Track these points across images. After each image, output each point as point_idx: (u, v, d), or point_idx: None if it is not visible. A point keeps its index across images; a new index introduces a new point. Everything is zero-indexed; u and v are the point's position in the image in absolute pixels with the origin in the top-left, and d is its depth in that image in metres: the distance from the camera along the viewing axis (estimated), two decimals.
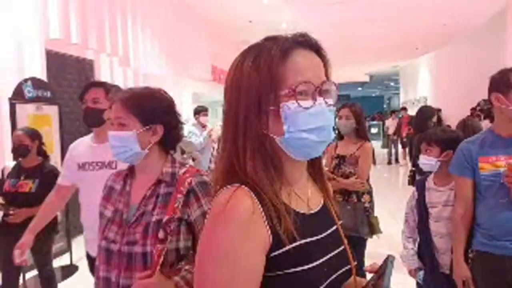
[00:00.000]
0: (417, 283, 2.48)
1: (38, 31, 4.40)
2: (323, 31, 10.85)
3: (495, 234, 1.89)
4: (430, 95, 15.45)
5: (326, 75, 0.87)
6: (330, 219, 0.93)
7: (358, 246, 3.05)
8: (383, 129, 17.21)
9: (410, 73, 19.35)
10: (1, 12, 3.96)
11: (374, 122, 21.24)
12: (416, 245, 2.46)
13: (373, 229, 3.08)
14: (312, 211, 0.87)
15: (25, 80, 3.93)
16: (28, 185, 3.02)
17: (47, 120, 4.23)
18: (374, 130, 20.20)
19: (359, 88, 30.58)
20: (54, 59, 5.05)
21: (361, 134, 3.19)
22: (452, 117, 10.71)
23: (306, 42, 0.86)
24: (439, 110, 4.56)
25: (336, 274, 0.86)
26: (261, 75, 0.80)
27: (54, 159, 4.28)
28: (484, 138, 1.97)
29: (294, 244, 0.77)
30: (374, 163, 3.18)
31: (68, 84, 5.40)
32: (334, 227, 0.92)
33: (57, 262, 4.36)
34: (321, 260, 0.82)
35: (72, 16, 4.72)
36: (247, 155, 0.80)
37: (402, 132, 12.12)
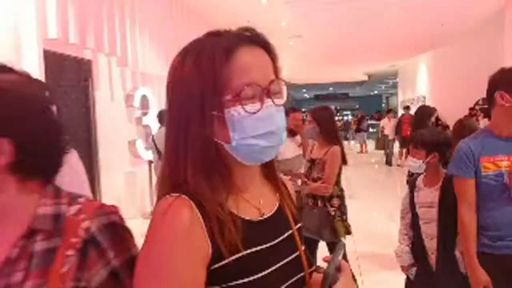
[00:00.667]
0: (407, 280, 2.51)
1: (36, 31, 4.39)
2: (321, 31, 10.85)
3: (503, 235, 1.89)
4: (428, 94, 15.48)
5: (276, 73, 0.81)
6: (285, 223, 0.87)
7: (312, 248, 3.11)
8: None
9: (408, 72, 19.38)
10: None
11: (373, 122, 21.04)
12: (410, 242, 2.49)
13: (336, 234, 3.09)
14: (263, 217, 0.82)
15: None
16: None
17: None
18: (372, 130, 20.00)
19: (358, 88, 30.64)
20: (52, 59, 5.04)
21: (328, 138, 3.23)
22: (451, 116, 10.74)
23: (252, 38, 0.79)
24: (434, 109, 4.56)
25: (291, 281, 0.82)
26: (203, 77, 0.73)
27: None
28: (484, 138, 1.96)
29: (236, 256, 0.72)
30: (345, 163, 3.24)
31: (66, 84, 5.38)
32: (290, 232, 0.87)
33: None
34: (273, 268, 0.78)
35: (70, 15, 4.71)
36: (189, 163, 0.75)
37: (405, 132, 11.71)
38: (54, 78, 5.10)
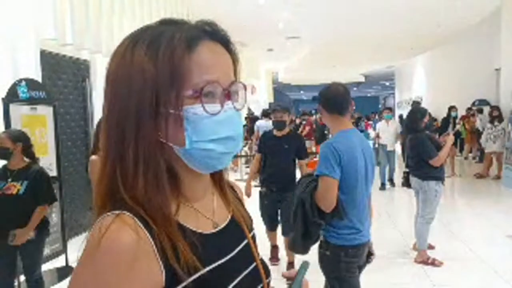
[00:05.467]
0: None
1: (33, 31, 4.38)
2: (319, 32, 10.88)
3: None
4: (425, 95, 15.53)
5: (235, 74, 0.73)
6: (240, 232, 0.80)
7: None
8: None
9: (405, 73, 19.45)
10: None
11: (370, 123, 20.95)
12: None
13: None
14: (218, 228, 0.75)
15: (20, 81, 3.91)
16: (16, 187, 2.96)
17: (42, 120, 4.21)
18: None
19: (355, 88, 30.68)
20: (49, 60, 5.03)
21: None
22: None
23: (214, 33, 0.70)
24: (426, 110, 4.57)
25: None
26: (160, 68, 0.64)
27: (49, 160, 4.27)
28: None
29: (195, 276, 0.64)
30: None
31: (63, 85, 5.37)
32: (245, 241, 0.80)
33: (53, 264, 4.35)
34: (234, 282, 0.72)
35: (67, 16, 4.70)
36: (139, 171, 0.64)
37: None
38: (51, 79, 5.09)
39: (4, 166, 3.03)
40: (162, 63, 0.64)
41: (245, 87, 0.73)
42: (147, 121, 0.64)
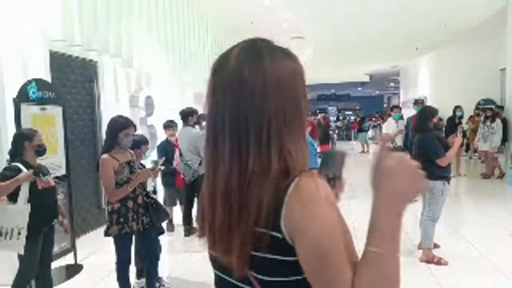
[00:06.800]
0: None
1: (42, 33, 4.45)
2: (323, 32, 10.89)
3: None
4: (429, 95, 15.49)
5: None
6: None
7: None
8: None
9: (410, 73, 19.39)
10: (4, 13, 4.00)
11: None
12: None
13: None
14: None
15: (30, 81, 3.97)
16: (52, 180, 3.31)
17: (51, 120, 4.27)
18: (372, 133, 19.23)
19: (359, 88, 30.63)
20: (58, 60, 5.10)
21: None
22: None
23: None
24: (437, 110, 4.57)
25: None
26: (299, 80, 0.85)
27: (58, 159, 4.34)
28: None
29: None
30: None
31: (72, 85, 5.44)
32: None
33: (62, 262, 4.41)
34: None
35: (75, 17, 4.76)
36: (304, 151, 0.84)
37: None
38: (60, 79, 5.16)
39: (26, 162, 3.08)
40: (300, 76, 0.88)
41: None
42: (300, 119, 0.86)
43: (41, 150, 3.18)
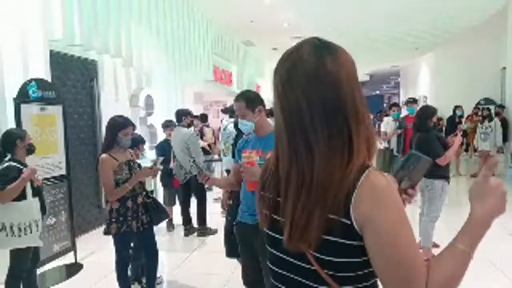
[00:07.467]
0: None
1: (42, 32, 4.45)
2: (323, 31, 10.89)
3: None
4: (430, 95, 15.49)
5: None
6: None
7: None
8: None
9: (410, 72, 19.39)
10: (5, 13, 4.00)
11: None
12: None
13: None
14: None
15: (30, 81, 3.98)
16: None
17: (51, 120, 4.28)
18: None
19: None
20: (58, 60, 5.10)
21: None
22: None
23: None
24: (436, 110, 4.56)
25: None
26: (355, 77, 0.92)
27: (59, 158, 4.34)
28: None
29: None
30: None
31: (72, 85, 5.44)
32: None
33: (62, 261, 4.41)
34: None
35: (76, 17, 4.76)
36: (369, 148, 0.90)
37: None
38: (60, 78, 5.16)
39: (17, 161, 3.11)
40: (355, 73, 0.95)
41: None
42: (363, 113, 0.93)
43: (32, 149, 3.28)
